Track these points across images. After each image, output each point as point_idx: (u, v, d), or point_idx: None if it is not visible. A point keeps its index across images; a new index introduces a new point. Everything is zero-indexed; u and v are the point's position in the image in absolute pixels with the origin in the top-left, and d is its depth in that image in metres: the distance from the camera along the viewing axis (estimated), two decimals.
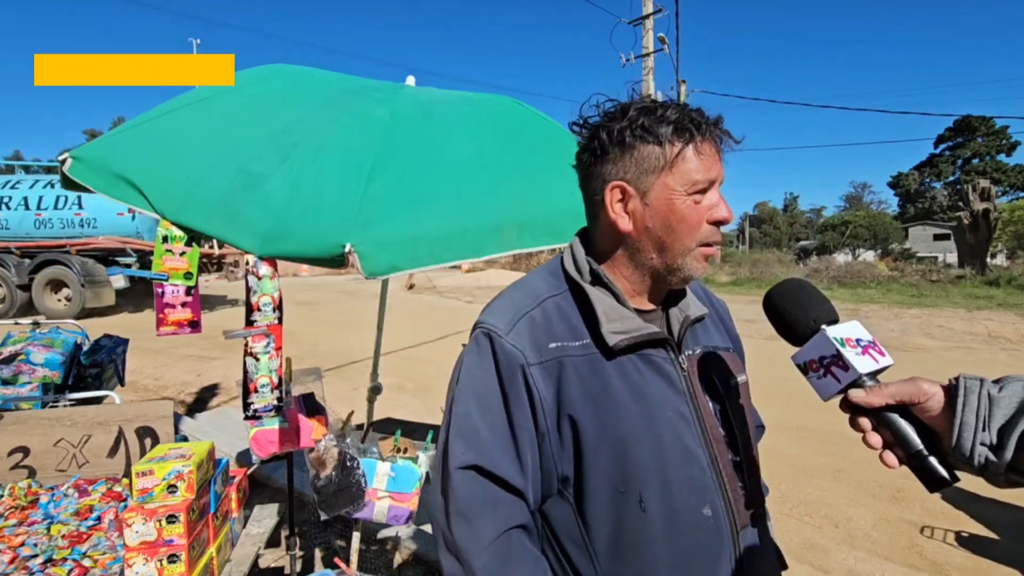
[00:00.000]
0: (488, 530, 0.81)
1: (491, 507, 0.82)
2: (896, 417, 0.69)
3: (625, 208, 0.86)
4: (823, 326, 0.74)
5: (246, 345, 1.55)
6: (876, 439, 0.70)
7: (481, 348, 0.87)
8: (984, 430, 0.62)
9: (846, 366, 0.70)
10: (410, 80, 2.15)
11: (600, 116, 0.88)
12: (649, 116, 0.83)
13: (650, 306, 0.92)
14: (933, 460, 0.66)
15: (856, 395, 0.70)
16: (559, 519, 0.86)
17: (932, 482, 0.67)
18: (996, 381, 0.64)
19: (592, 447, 0.82)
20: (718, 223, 0.84)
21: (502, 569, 0.80)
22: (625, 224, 0.86)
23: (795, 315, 0.79)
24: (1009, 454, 0.60)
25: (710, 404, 0.89)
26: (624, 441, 0.81)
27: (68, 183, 1.66)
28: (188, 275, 1.61)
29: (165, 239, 1.55)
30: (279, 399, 1.59)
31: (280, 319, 1.59)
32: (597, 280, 0.89)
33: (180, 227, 1.55)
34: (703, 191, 0.83)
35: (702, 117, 0.83)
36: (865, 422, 0.70)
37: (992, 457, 0.61)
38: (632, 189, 0.84)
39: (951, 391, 0.66)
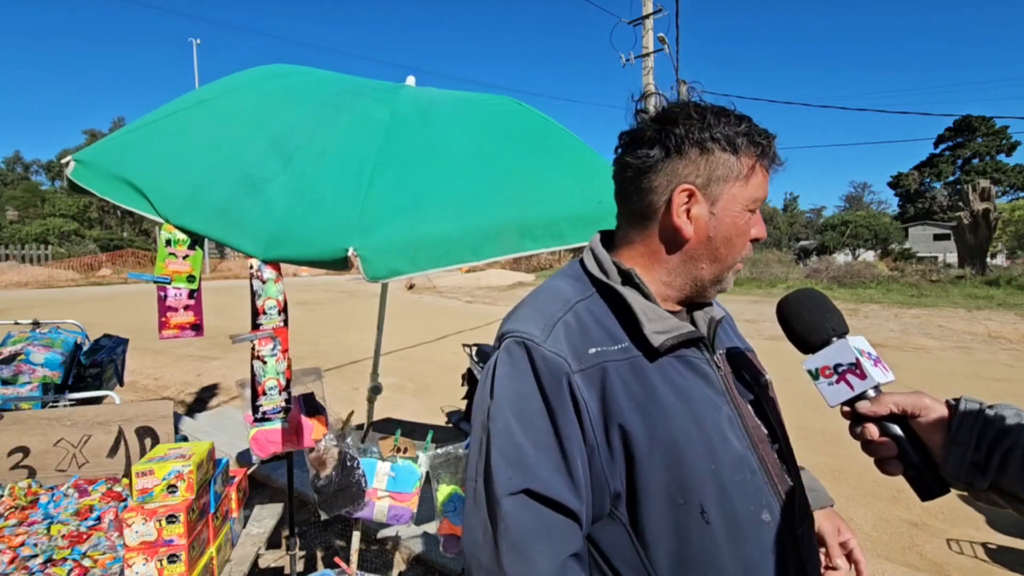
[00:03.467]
0: (544, 562, 0.73)
1: (545, 535, 0.74)
2: (896, 428, 0.72)
3: (689, 214, 0.81)
4: (844, 335, 0.77)
5: (253, 348, 1.55)
6: (888, 450, 0.72)
7: (516, 359, 0.79)
8: (977, 450, 0.67)
9: (863, 375, 0.73)
10: (410, 80, 2.15)
11: (667, 111, 0.83)
12: (725, 122, 0.80)
13: (676, 308, 0.90)
14: (927, 472, 0.71)
15: (863, 405, 0.73)
16: (610, 543, 0.79)
17: (926, 493, 0.71)
18: (991, 406, 0.69)
19: (645, 456, 0.76)
20: (754, 240, 0.86)
21: None
22: (688, 231, 0.81)
23: (814, 323, 0.80)
24: (991, 474, 0.66)
25: (747, 404, 0.87)
26: (677, 445, 0.76)
27: (73, 187, 1.66)
28: (191, 278, 1.60)
29: (168, 242, 1.55)
30: (287, 400, 1.60)
31: (285, 322, 1.60)
32: (628, 281, 0.85)
33: (183, 230, 1.55)
34: (754, 209, 0.83)
35: (767, 133, 0.82)
36: (872, 429, 0.73)
37: (979, 475, 0.66)
38: (701, 195, 0.81)
39: (952, 409, 0.70)
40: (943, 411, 0.70)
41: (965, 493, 0.70)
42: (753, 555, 0.78)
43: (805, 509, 0.87)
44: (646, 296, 0.84)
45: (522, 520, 0.74)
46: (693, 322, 0.91)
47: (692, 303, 0.92)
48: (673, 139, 0.80)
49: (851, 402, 0.74)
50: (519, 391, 0.78)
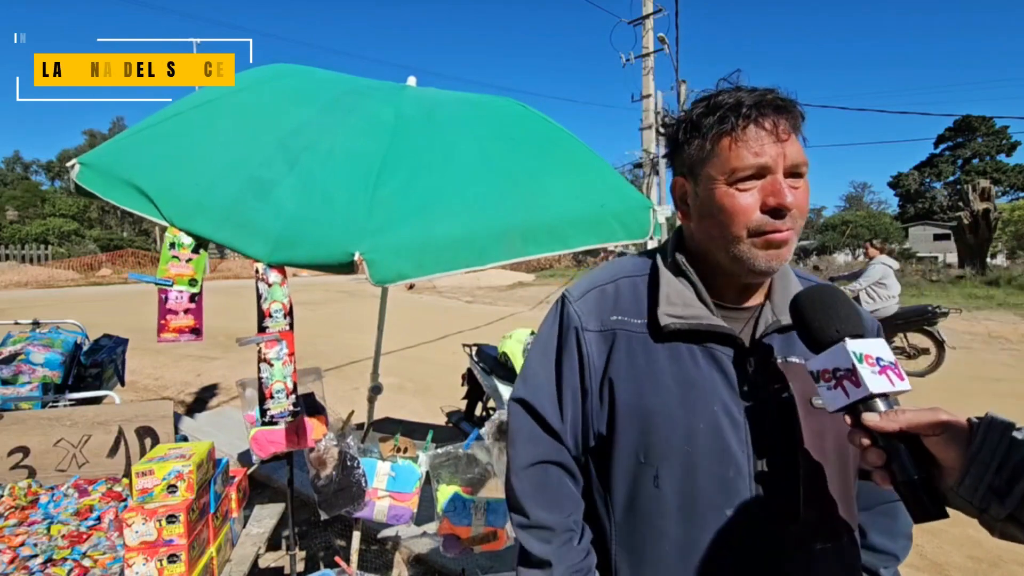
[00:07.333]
0: (525, 456, 0.96)
1: (530, 438, 0.96)
2: (898, 443, 0.66)
3: (684, 202, 0.91)
4: (845, 338, 0.72)
5: (259, 351, 1.55)
6: (876, 458, 0.67)
7: (556, 309, 0.99)
8: (997, 473, 0.59)
9: (858, 382, 0.68)
10: (411, 80, 2.15)
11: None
12: (701, 108, 0.85)
13: (739, 303, 0.91)
14: (924, 491, 0.65)
15: (871, 419, 0.67)
16: (596, 473, 0.95)
17: (919, 512, 0.65)
18: (1019, 428, 0.61)
19: (624, 415, 0.88)
20: (772, 211, 0.79)
21: (535, 493, 0.94)
22: (684, 216, 0.92)
23: (819, 322, 0.76)
24: (1014, 502, 0.58)
25: (775, 416, 0.84)
26: (653, 419, 0.86)
27: (79, 190, 1.66)
28: (193, 281, 1.60)
29: (172, 245, 1.55)
30: (294, 404, 1.59)
31: (291, 325, 1.59)
32: (677, 269, 0.93)
33: (188, 234, 1.55)
34: (749, 178, 0.80)
35: (753, 99, 0.80)
36: (865, 440, 0.68)
37: (995, 502, 0.59)
38: (687, 183, 0.89)
39: (973, 427, 0.63)
40: (962, 428, 0.63)
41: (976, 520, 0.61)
42: (702, 537, 0.84)
43: (807, 540, 0.84)
44: (694, 285, 0.90)
45: (517, 421, 0.98)
46: (757, 321, 0.89)
47: (751, 293, 0.91)
48: (669, 142, 0.93)
49: (850, 409, 0.70)
50: (547, 333, 0.99)
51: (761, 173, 0.80)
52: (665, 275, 0.92)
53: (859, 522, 0.95)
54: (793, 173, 0.81)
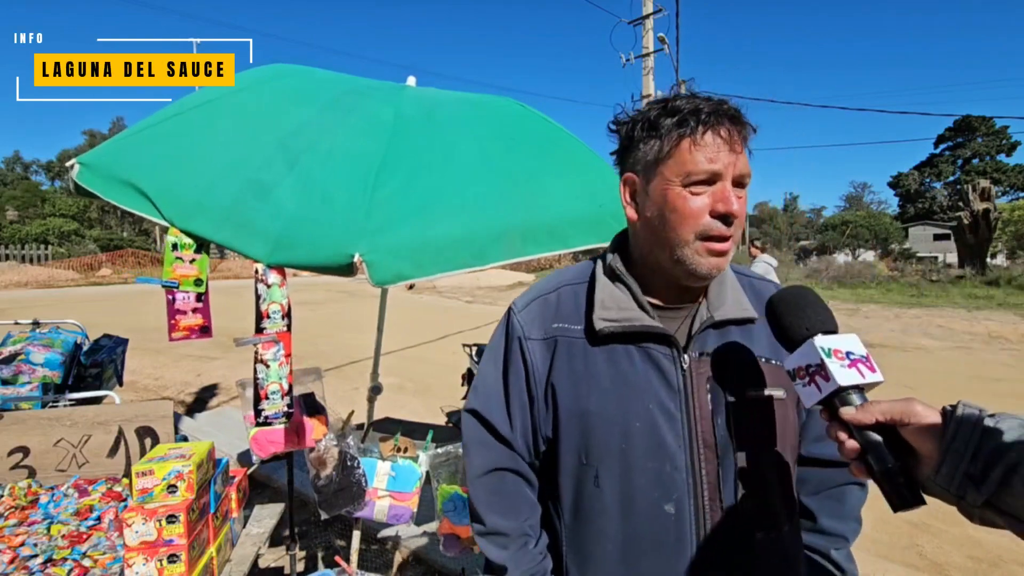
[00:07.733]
0: (479, 464, 0.99)
1: (483, 446, 1.00)
2: (872, 434, 0.68)
3: (633, 198, 0.91)
4: (816, 335, 0.74)
5: (256, 352, 1.55)
6: (852, 448, 0.69)
7: (504, 320, 1.03)
8: (972, 461, 0.60)
9: (827, 376, 0.70)
10: (411, 80, 2.15)
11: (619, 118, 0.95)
12: (658, 110, 0.86)
13: (675, 303, 0.92)
14: (901, 480, 0.66)
15: (847, 413, 0.69)
16: (544, 476, 1.00)
17: (898, 501, 0.66)
18: (992, 415, 0.62)
19: (566, 418, 0.92)
20: (721, 216, 0.82)
21: (490, 500, 0.98)
22: (631, 213, 0.92)
23: (790, 322, 0.78)
24: (990, 489, 0.59)
25: (711, 408, 0.87)
26: (591, 419, 0.89)
27: (78, 190, 1.66)
28: (198, 282, 1.61)
29: (175, 247, 1.56)
30: (289, 405, 1.60)
31: (289, 326, 1.59)
32: (613, 275, 0.94)
33: (189, 235, 1.55)
34: (701, 183, 0.82)
35: (711, 107, 0.82)
36: (842, 434, 0.70)
37: (972, 489, 0.60)
38: (639, 180, 0.89)
39: (947, 416, 0.64)
40: (936, 418, 0.65)
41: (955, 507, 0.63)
42: (641, 534, 0.87)
43: (747, 530, 0.86)
44: (628, 287, 0.92)
45: (469, 430, 1.02)
46: (694, 318, 0.91)
47: (689, 294, 0.92)
48: (619, 139, 0.94)
49: (827, 404, 0.71)
50: (496, 343, 1.03)
51: (712, 179, 0.82)
52: (601, 280, 0.94)
53: (809, 507, 0.99)
54: (738, 183, 0.84)
